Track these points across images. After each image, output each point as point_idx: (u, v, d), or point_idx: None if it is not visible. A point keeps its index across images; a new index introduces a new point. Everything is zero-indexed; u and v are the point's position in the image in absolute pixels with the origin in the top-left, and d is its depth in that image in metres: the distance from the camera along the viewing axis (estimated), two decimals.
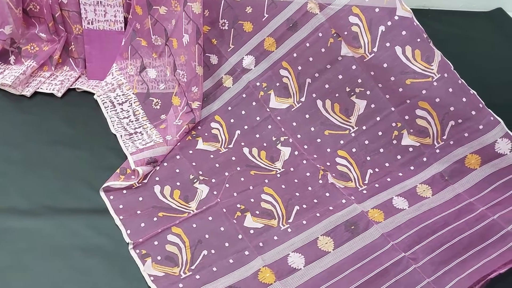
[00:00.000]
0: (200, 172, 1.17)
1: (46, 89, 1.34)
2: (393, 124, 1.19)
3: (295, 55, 1.26)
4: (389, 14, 1.14)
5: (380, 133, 1.21)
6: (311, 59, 1.25)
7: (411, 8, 1.15)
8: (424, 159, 1.18)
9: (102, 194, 1.10)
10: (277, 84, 1.30)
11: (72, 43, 1.40)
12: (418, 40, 1.13)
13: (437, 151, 1.16)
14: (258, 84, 1.32)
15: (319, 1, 1.19)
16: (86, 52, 1.39)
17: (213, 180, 1.16)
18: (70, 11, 1.35)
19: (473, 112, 1.11)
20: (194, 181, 1.15)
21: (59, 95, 1.33)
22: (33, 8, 1.37)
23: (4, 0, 1.30)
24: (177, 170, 1.18)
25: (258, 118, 1.30)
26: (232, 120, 1.31)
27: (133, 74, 1.37)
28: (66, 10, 1.36)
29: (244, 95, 1.32)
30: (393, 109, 1.18)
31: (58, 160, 1.17)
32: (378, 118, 1.20)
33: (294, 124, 1.27)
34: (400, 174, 1.18)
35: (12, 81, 1.29)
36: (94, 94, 1.35)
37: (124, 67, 1.38)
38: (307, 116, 1.27)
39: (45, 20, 1.36)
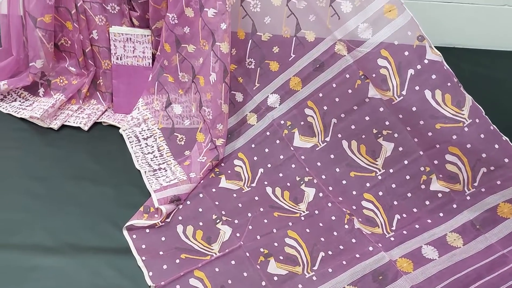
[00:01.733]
0: (223, 212, 1.16)
1: (73, 122, 1.35)
2: (422, 169, 1.16)
3: (321, 95, 1.26)
4: (418, 58, 1.13)
5: (408, 177, 1.18)
6: (337, 99, 1.24)
7: (436, 46, 1.14)
8: (454, 206, 1.14)
9: (125, 233, 1.09)
10: (302, 123, 1.29)
11: (100, 77, 1.43)
12: (449, 84, 1.12)
13: (468, 198, 1.13)
14: (282, 122, 1.31)
15: (347, 43, 1.19)
16: (114, 87, 1.41)
17: (236, 221, 1.14)
18: (100, 46, 1.38)
19: (506, 160, 1.07)
20: (217, 221, 1.14)
21: (86, 128, 1.35)
22: (64, 43, 1.41)
23: (37, 35, 1.34)
24: (200, 210, 1.17)
25: (282, 157, 1.28)
26: (255, 158, 1.30)
27: (159, 109, 1.38)
28: (96, 46, 1.39)
29: (268, 133, 1.32)
30: (421, 153, 1.16)
31: (82, 196, 1.17)
32: (406, 162, 1.18)
33: (319, 164, 1.26)
34: (429, 221, 1.14)
35: (41, 114, 1.31)
36: (119, 128, 1.36)
37: (150, 102, 1.39)
38: (332, 156, 1.25)
39: (76, 55, 1.39)
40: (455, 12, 1.70)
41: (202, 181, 1.23)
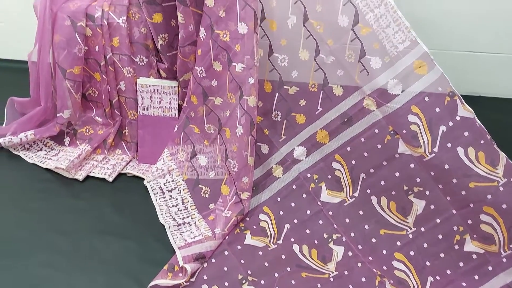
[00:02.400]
0: (249, 272, 1.12)
1: (98, 173, 1.35)
2: (455, 228, 1.12)
3: (349, 149, 1.24)
4: (450, 114, 1.11)
5: (440, 237, 1.14)
6: (366, 154, 1.21)
7: (462, 95, 1.12)
8: (490, 268, 1.09)
9: None
10: (329, 176, 1.27)
11: (126, 127, 1.43)
12: (482, 141, 1.09)
13: (504, 260, 1.08)
14: (309, 175, 1.29)
15: (377, 98, 1.17)
16: (139, 137, 1.41)
17: (262, 282, 1.10)
18: (127, 97, 1.39)
19: None
20: (243, 281, 1.10)
21: (110, 179, 1.34)
22: (92, 93, 1.42)
23: (66, 86, 1.36)
24: (225, 268, 1.13)
25: (308, 212, 1.25)
26: (281, 213, 1.27)
27: (184, 160, 1.37)
28: (123, 96, 1.40)
29: (294, 186, 1.29)
30: (454, 212, 1.12)
31: (106, 251, 1.15)
32: (438, 220, 1.14)
33: (347, 220, 1.22)
34: (464, 284, 1.09)
35: (66, 165, 1.32)
36: (144, 179, 1.35)
37: (175, 153, 1.39)
38: (361, 212, 1.22)
39: (103, 105, 1.41)
40: (480, 61, 1.69)
41: (227, 237, 1.21)
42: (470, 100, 1.16)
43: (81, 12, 1.31)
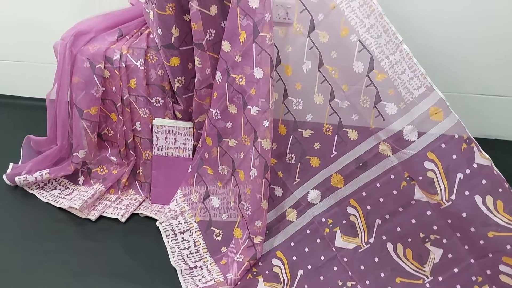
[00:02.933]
0: None
1: (111, 213, 1.35)
2: (473, 278, 1.09)
3: (364, 194, 1.22)
4: (467, 162, 1.10)
5: (458, 287, 1.10)
6: (381, 200, 1.20)
7: (476, 138, 1.11)
8: None
9: None
10: (344, 221, 1.25)
11: (140, 168, 1.44)
12: (500, 190, 1.07)
13: None
14: (323, 220, 1.27)
15: (392, 144, 1.17)
16: (153, 177, 1.41)
17: None
18: (142, 137, 1.41)
19: None
20: None
21: (123, 220, 1.34)
22: (107, 133, 1.44)
23: (82, 125, 1.37)
24: None
25: (322, 258, 1.23)
26: (294, 258, 1.25)
27: (197, 201, 1.37)
28: (138, 137, 1.41)
29: (308, 231, 1.28)
30: (473, 261, 1.09)
31: None
32: (456, 270, 1.11)
33: (362, 267, 1.20)
34: None
35: (80, 205, 1.32)
36: (156, 220, 1.35)
37: (188, 193, 1.38)
38: (376, 259, 1.19)
39: (118, 145, 1.42)
40: (495, 104, 1.69)
41: (239, 282, 1.18)
42: (486, 143, 1.16)
43: (100, 54, 1.34)
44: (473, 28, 1.54)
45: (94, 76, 1.34)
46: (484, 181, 1.08)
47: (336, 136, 1.25)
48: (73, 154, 1.39)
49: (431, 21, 1.54)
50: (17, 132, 1.60)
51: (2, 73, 1.89)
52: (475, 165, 1.09)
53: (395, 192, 1.18)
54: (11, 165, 1.48)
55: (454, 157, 1.11)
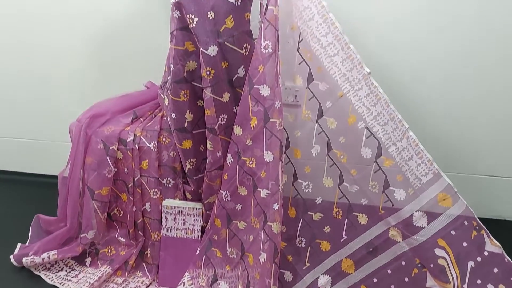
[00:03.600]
0: None
1: None
2: None
3: (375, 280, 1.21)
4: (478, 249, 1.10)
5: None
6: (393, 286, 1.19)
7: (485, 218, 1.12)
8: None
9: None
10: None
11: (148, 249, 1.43)
12: None
13: None
14: None
15: (402, 230, 1.17)
16: (161, 259, 1.39)
17: None
18: (152, 218, 1.41)
19: None
20: None
21: None
22: (117, 213, 1.44)
23: (92, 206, 1.38)
24: None
25: None
26: None
27: (204, 285, 1.34)
28: (148, 217, 1.41)
29: None
30: None
31: None
32: None
33: None
34: None
35: None
36: None
37: (196, 276, 1.36)
38: None
39: (127, 225, 1.41)
40: (504, 185, 1.70)
41: None
42: (495, 224, 1.16)
43: (114, 136, 1.38)
44: (482, 109, 1.58)
45: (107, 157, 1.37)
46: (495, 270, 1.08)
47: (346, 220, 1.26)
48: (82, 235, 1.39)
49: (440, 105, 1.59)
50: (27, 210, 1.61)
51: (15, 150, 1.94)
52: (486, 253, 1.10)
53: (406, 279, 1.17)
54: (19, 245, 1.47)
55: (464, 244, 1.11)
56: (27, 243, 1.47)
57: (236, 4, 1.20)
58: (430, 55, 1.52)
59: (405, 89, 1.56)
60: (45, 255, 1.38)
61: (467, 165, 1.66)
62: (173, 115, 1.31)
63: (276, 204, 1.22)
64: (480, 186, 1.67)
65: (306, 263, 1.30)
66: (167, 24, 1.26)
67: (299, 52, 1.25)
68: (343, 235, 1.26)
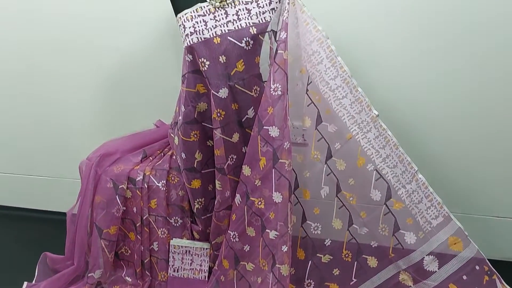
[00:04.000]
0: None
1: None
2: None
3: None
4: None
5: None
6: None
7: (498, 260, 1.11)
8: None
9: None
10: None
11: None
12: None
13: None
14: None
15: (413, 274, 1.16)
16: None
17: None
18: (159, 258, 1.40)
19: None
20: None
21: None
22: (124, 252, 1.43)
23: (100, 244, 1.38)
24: None
25: None
26: None
27: None
28: (155, 257, 1.40)
29: None
30: None
31: None
32: None
33: None
34: None
35: None
36: None
37: None
38: None
39: (134, 265, 1.40)
40: None
41: None
42: (506, 265, 1.14)
43: (124, 175, 1.39)
44: (491, 147, 1.56)
45: (117, 196, 1.37)
46: None
47: (356, 262, 1.24)
48: (89, 275, 1.38)
49: (446, 146, 1.59)
50: (35, 247, 1.60)
51: (24, 187, 1.96)
52: None
53: None
54: (25, 283, 1.45)
55: None
56: (33, 282, 1.46)
57: (247, 49, 1.23)
58: (438, 97, 1.53)
59: (414, 131, 1.57)
60: None
61: (475, 206, 1.63)
62: (183, 155, 1.32)
63: (285, 246, 1.21)
64: (490, 227, 1.64)
65: None
66: (178, 67, 1.29)
67: (308, 94, 1.27)
68: (353, 278, 1.24)
